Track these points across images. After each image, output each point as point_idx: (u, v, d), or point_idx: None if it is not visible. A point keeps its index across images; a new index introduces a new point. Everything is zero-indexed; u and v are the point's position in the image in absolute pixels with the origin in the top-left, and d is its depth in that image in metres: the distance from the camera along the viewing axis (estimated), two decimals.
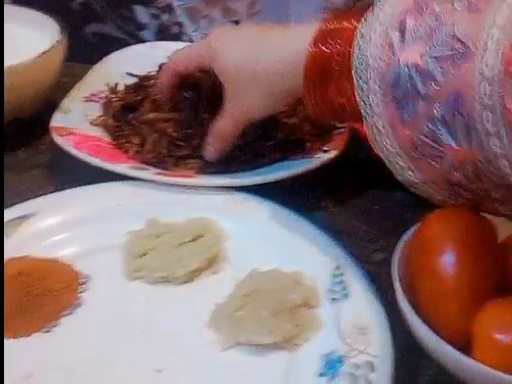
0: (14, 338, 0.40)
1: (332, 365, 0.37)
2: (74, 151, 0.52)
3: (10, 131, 0.59)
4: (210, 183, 0.50)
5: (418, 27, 0.34)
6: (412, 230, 0.42)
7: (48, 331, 0.41)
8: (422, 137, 0.35)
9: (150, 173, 0.51)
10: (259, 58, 0.45)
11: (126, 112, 0.57)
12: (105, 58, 0.66)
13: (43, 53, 0.55)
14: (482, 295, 0.36)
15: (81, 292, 0.43)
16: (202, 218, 0.48)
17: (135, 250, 0.46)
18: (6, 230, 0.46)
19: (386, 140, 0.37)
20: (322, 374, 0.37)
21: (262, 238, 0.46)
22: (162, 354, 0.39)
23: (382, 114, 0.36)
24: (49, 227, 0.47)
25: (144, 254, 0.45)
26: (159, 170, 0.51)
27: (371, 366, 0.36)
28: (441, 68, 0.33)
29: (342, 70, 0.40)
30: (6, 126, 0.58)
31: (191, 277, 0.45)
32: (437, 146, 0.35)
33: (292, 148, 0.54)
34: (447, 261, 0.37)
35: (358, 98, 0.38)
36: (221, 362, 0.39)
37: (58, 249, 0.46)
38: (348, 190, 0.55)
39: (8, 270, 0.42)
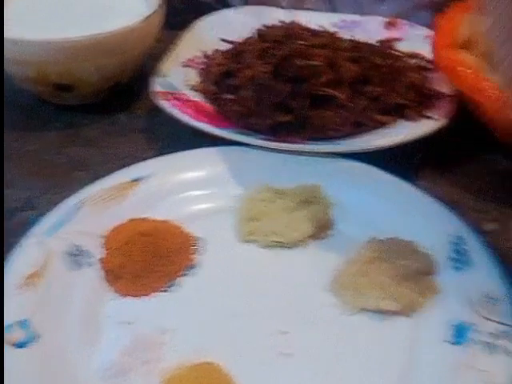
0: (137, 296, 0.41)
1: (462, 333, 0.36)
2: (179, 115, 0.52)
3: (110, 96, 0.60)
4: (316, 149, 0.50)
5: None
6: None
7: (166, 291, 0.41)
8: None
9: (256, 138, 0.51)
10: None
11: (226, 78, 0.57)
12: (196, 23, 0.66)
13: (147, 17, 0.55)
14: None
15: (196, 253, 0.44)
16: (310, 184, 0.47)
17: (247, 213, 0.46)
18: (119, 193, 0.47)
19: None
20: (452, 342, 0.36)
21: (373, 205, 0.46)
22: (284, 317, 0.40)
23: None
24: (160, 190, 0.47)
25: (256, 218, 0.46)
26: (264, 136, 0.51)
27: (510, 337, 0.35)
28: None
29: None
30: (106, 91, 0.59)
31: (304, 242, 0.45)
32: None
33: (393, 114, 0.53)
34: None
35: None
36: (345, 325, 0.39)
37: (170, 211, 0.46)
38: (452, 159, 0.54)
39: (130, 231, 0.43)
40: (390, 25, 0.67)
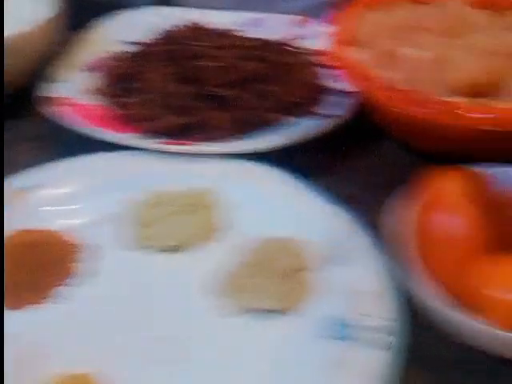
0: (22, 308, 0.40)
1: (342, 328, 0.37)
2: (71, 122, 0.51)
3: (7, 102, 0.58)
4: (211, 151, 0.49)
5: None
6: (410, 189, 0.42)
7: (53, 302, 0.41)
8: None
9: (151, 142, 0.50)
10: None
11: (128, 80, 0.56)
12: (97, 24, 0.65)
13: (45, 21, 0.54)
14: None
15: (85, 262, 0.43)
16: (204, 187, 0.47)
17: (139, 219, 0.45)
18: (6, 202, 0.45)
19: None
20: (332, 338, 0.37)
21: (267, 205, 0.46)
22: (173, 322, 0.39)
23: None
24: (48, 198, 0.46)
25: (148, 223, 0.45)
26: (161, 139, 0.51)
27: (388, 330, 0.35)
28: None
29: None
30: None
31: (196, 245, 0.44)
32: None
33: (288, 112, 0.53)
34: (461, 222, 0.37)
35: None
36: (230, 327, 0.39)
37: (58, 221, 0.45)
38: (349, 155, 0.54)
39: (13, 242, 0.42)
40: (296, 22, 0.67)
